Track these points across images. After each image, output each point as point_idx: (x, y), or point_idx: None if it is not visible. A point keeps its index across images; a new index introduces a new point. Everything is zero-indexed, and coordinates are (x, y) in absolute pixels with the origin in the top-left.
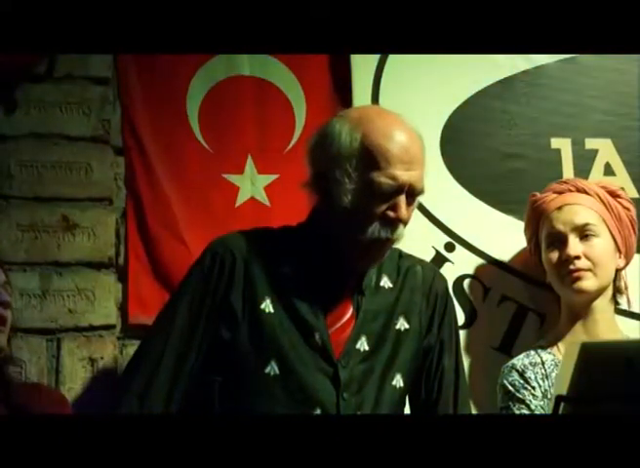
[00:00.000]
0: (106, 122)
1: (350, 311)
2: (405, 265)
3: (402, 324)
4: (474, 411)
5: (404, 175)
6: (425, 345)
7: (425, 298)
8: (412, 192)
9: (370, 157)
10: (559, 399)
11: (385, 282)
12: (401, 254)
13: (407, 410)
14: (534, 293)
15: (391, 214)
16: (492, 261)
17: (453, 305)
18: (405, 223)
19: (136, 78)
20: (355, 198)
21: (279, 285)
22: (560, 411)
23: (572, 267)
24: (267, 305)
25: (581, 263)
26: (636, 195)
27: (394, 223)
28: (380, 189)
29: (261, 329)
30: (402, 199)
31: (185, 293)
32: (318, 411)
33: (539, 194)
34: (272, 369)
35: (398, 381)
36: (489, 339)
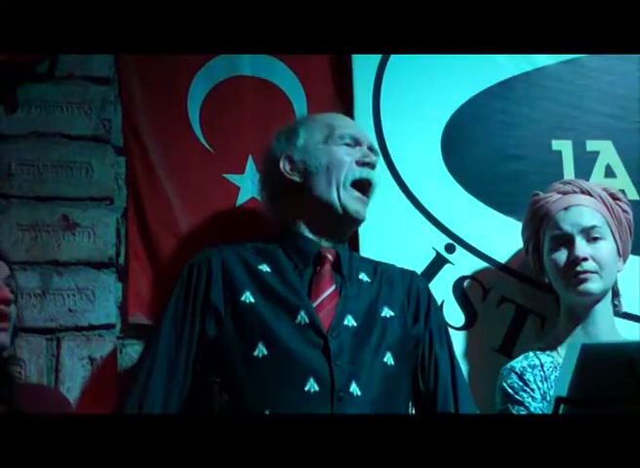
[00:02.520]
0: (107, 122)
1: (333, 286)
2: (381, 267)
3: (387, 312)
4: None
5: (360, 133)
6: (415, 334)
7: (407, 294)
8: (372, 150)
9: (329, 123)
10: (558, 400)
11: (364, 277)
12: (378, 262)
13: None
14: (533, 295)
15: (364, 158)
16: (492, 263)
17: (436, 302)
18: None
19: (137, 78)
20: (328, 150)
21: (257, 279)
22: (559, 413)
23: (579, 269)
24: (248, 297)
25: (589, 265)
26: (637, 197)
27: (369, 165)
28: (345, 139)
29: (244, 317)
30: (366, 149)
31: (169, 305)
32: (312, 381)
33: (541, 194)
34: (260, 351)
35: (389, 359)
36: (489, 341)
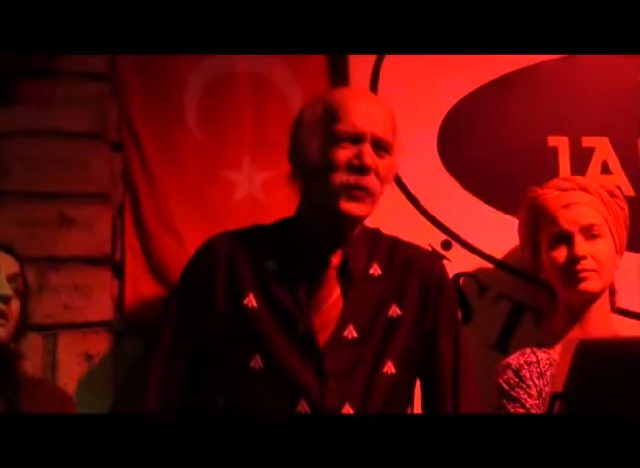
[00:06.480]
0: (103, 118)
1: (337, 292)
2: (398, 253)
3: (394, 311)
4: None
5: (365, 123)
6: (424, 327)
7: (419, 284)
8: (378, 143)
9: (331, 112)
10: (554, 396)
11: (375, 270)
12: (396, 243)
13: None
14: (530, 291)
15: (355, 161)
16: (488, 259)
17: (450, 290)
18: (375, 172)
19: (133, 74)
20: (323, 152)
21: (262, 279)
22: (556, 410)
23: (578, 267)
24: (250, 301)
25: (588, 264)
26: (632, 193)
27: (360, 169)
28: (341, 137)
29: (245, 324)
30: (366, 147)
31: (173, 300)
32: (304, 402)
33: (539, 190)
34: (256, 362)
35: (390, 368)
36: (485, 337)
